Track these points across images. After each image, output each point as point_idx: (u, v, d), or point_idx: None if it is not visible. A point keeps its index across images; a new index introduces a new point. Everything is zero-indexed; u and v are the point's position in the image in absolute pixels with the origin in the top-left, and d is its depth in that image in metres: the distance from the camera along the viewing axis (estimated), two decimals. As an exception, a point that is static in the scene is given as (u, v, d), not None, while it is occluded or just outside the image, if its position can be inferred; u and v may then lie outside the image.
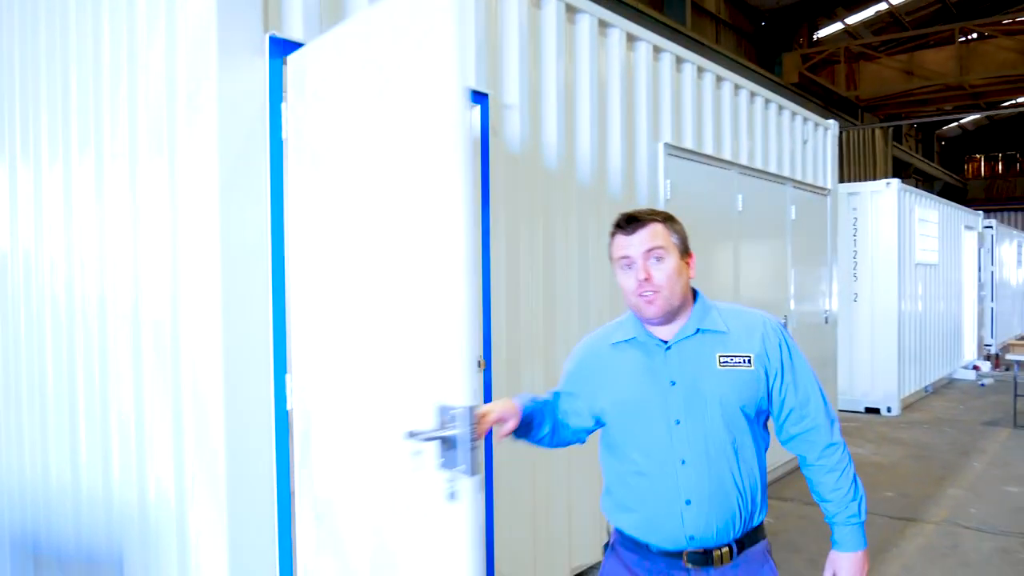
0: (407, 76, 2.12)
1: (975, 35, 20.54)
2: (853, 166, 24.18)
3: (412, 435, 1.94)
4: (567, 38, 4.22)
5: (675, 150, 5.11)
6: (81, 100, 3.29)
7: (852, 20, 23.88)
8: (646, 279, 2.03)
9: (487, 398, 3.31)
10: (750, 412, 2.09)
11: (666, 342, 2.10)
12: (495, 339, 3.58)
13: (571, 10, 4.24)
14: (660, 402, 2.07)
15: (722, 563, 2.04)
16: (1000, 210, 35.48)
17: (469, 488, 1.90)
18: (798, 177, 7.04)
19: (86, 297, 3.29)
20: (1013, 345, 10.30)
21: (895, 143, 28.47)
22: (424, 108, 2.05)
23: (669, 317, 2.09)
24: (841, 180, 22.97)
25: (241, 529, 2.69)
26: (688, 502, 2.03)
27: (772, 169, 6.54)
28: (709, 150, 5.55)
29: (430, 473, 1.94)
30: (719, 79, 5.70)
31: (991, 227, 16.95)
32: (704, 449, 2.04)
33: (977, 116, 30.74)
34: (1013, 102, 27.78)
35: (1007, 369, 13.87)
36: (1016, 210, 35.55)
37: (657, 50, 4.96)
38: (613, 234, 2.13)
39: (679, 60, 5.21)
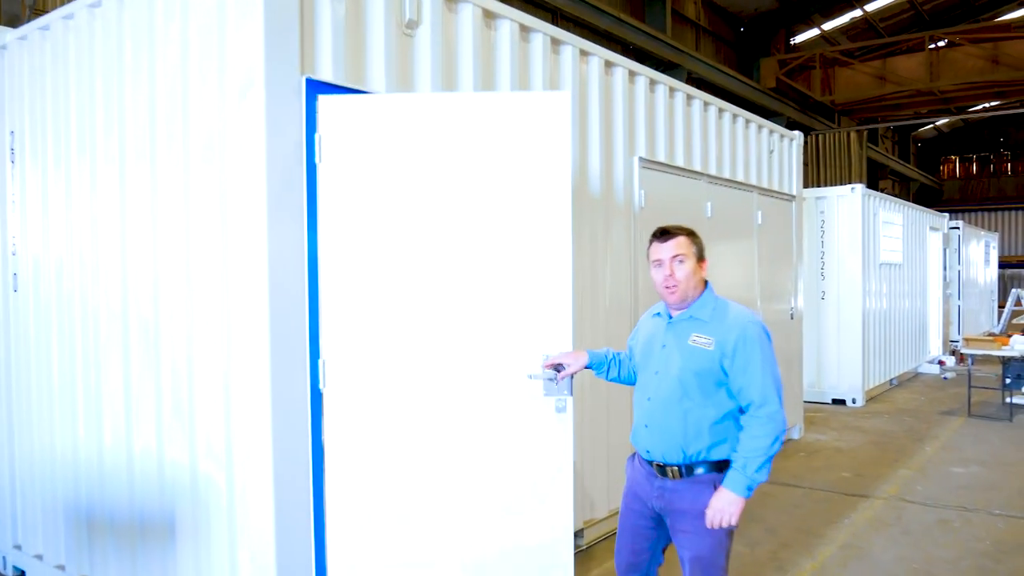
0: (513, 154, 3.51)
1: (945, 42, 21.27)
2: (829, 168, 24.88)
3: (533, 376, 3.37)
4: (551, 66, 4.79)
5: (648, 163, 5.69)
6: (136, 122, 3.81)
7: (828, 26, 24.59)
8: (670, 275, 2.91)
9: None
10: (705, 379, 2.88)
11: (671, 318, 3.02)
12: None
13: (556, 42, 4.80)
14: (652, 357, 3.04)
15: (674, 478, 2.93)
16: (974, 210, 36.43)
17: (570, 404, 3.41)
18: (764, 185, 7.65)
19: (140, 292, 3.82)
20: (969, 340, 10.97)
21: (871, 145, 29.21)
22: (537, 175, 3.51)
23: (683, 304, 2.97)
24: (817, 182, 23.69)
25: (285, 489, 3.25)
26: (647, 426, 3.01)
27: (740, 178, 7.14)
28: (680, 162, 6.14)
29: (540, 399, 3.38)
30: (689, 97, 6.29)
31: (958, 228, 17.70)
32: (663, 395, 2.95)
33: (953, 118, 31.60)
34: (982, 107, 28.63)
35: (971, 364, 14.61)
36: (990, 210, 36.42)
37: (632, 74, 5.54)
38: (651, 242, 3.02)
39: (652, 82, 5.79)
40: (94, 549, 4.18)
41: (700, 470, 2.89)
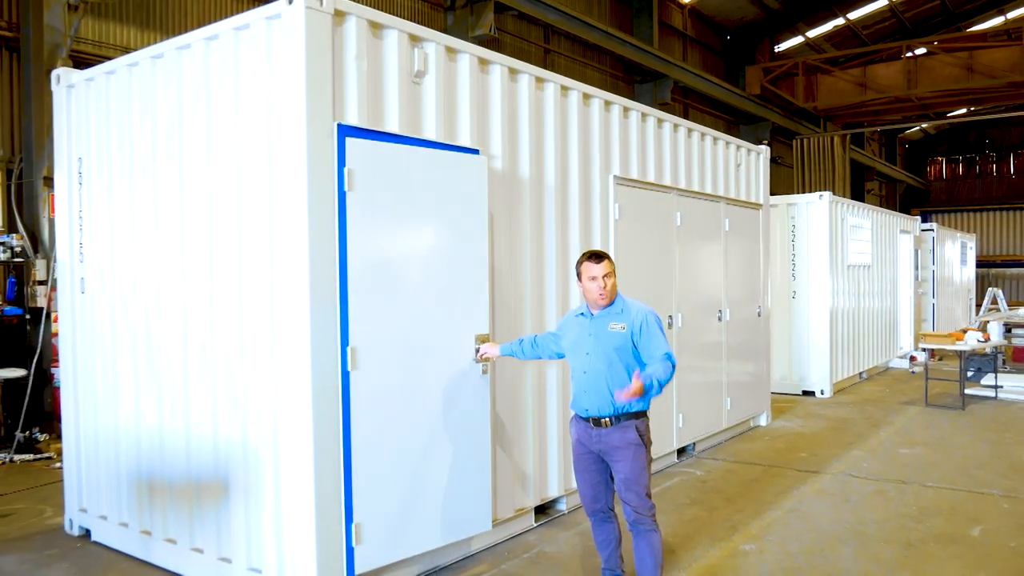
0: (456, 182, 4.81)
1: (923, 51, 22.14)
2: (813, 172, 25.71)
3: (475, 360, 4.86)
4: (536, 101, 5.62)
5: (622, 180, 6.53)
6: (193, 152, 4.65)
7: (812, 34, 25.46)
8: (604, 287, 4.09)
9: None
10: (622, 353, 4.08)
11: (593, 315, 4.18)
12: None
13: (540, 81, 5.65)
14: (582, 343, 4.19)
15: (607, 426, 4.09)
16: (960, 211, 37.34)
17: (490, 368, 4.95)
18: (732, 195, 8.49)
19: (196, 294, 4.65)
20: (926, 336, 11.83)
21: (857, 148, 30.08)
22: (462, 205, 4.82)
23: (606, 306, 4.14)
24: (802, 185, 24.43)
25: (322, 452, 4.08)
26: (585, 392, 4.14)
27: (708, 190, 7.99)
28: (652, 178, 6.98)
29: (473, 365, 4.81)
30: (660, 121, 7.13)
31: (932, 230, 18.55)
32: (594, 368, 4.10)
33: (933, 122, 32.43)
34: (965, 111, 29.54)
35: (940, 359, 15.47)
36: (976, 210, 37.30)
37: (608, 104, 6.38)
38: (583, 262, 4.17)
39: (626, 109, 6.63)
40: (155, 509, 5.01)
41: (624, 418, 4.06)
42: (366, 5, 4.37)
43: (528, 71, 5.50)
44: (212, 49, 4.50)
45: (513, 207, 5.40)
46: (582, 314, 4.26)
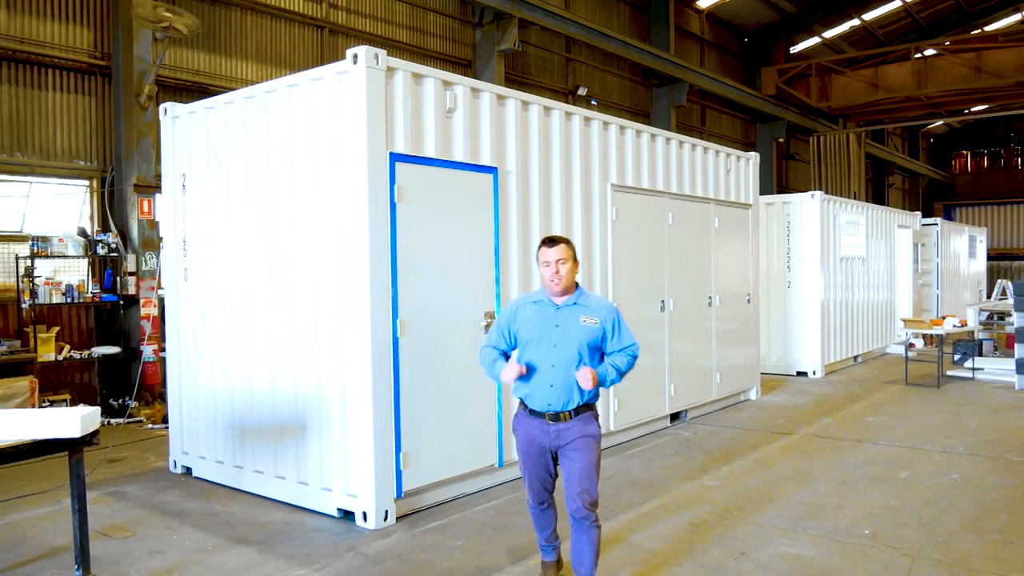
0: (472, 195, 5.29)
1: (932, 51, 23.04)
2: (829, 168, 26.64)
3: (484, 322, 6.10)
4: (544, 125, 6.96)
5: (619, 187, 7.85)
6: (279, 169, 6.06)
7: (829, 34, 26.41)
8: (556, 272, 3.98)
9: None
10: (591, 346, 4.00)
11: (558, 305, 4.06)
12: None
13: (547, 109, 6.99)
14: (547, 335, 4.01)
15: (566, 420, 4.01)
16: (984, 204, 37.90)
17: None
18: (721, 197, 9.76)
19: (280, 282, 6.06)
20: (907, 321, 12.97)
21: (877, 144, 30.92)
22: (478, 211, 5.25)
23: (563, 294, 4.04)
24: (818, 182, 25.38)
25: (379, 400, 5.46)
26: (551, 386, 3.99)
27: (699, 193, 9.26)
28: (645, 184, 8.29)
29: (483, 334, 5.95)
30: (653, 136, 8.43)
31: (936, 224, 19.57)
32: (563, 361, 3.97)
33: (949, 120, 33.08)
34: (981, 108, 30.23)
35: (936, 346, 16.50)
36: (1000, 203, 37.83)
37: (606, 124, 7.71)
38: (540, 247, 4.04)
39: (622, 128, 7.95)
40: (245, 447, 6.44)
41: (583, 411, 4.04)
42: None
43: (537, 102, 6.85)
44: (294, 94, 5.90)
45: (525, 210, 6.74)
46: (539, 301, 4.09)
